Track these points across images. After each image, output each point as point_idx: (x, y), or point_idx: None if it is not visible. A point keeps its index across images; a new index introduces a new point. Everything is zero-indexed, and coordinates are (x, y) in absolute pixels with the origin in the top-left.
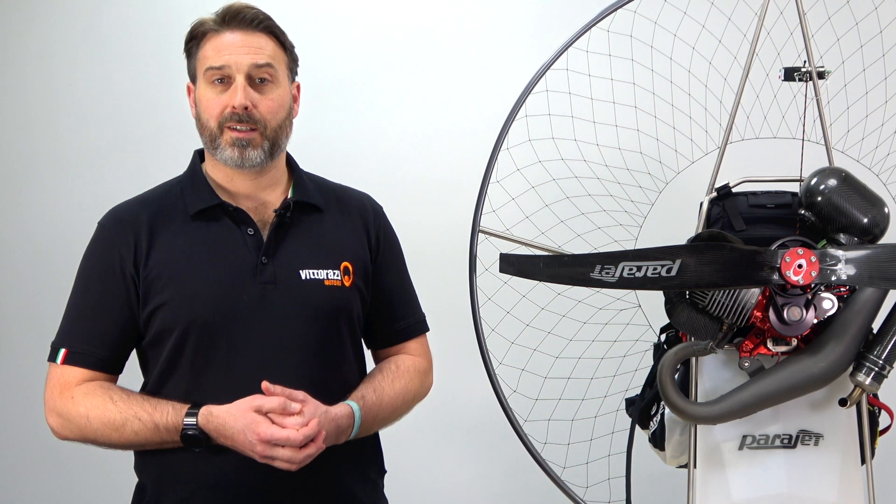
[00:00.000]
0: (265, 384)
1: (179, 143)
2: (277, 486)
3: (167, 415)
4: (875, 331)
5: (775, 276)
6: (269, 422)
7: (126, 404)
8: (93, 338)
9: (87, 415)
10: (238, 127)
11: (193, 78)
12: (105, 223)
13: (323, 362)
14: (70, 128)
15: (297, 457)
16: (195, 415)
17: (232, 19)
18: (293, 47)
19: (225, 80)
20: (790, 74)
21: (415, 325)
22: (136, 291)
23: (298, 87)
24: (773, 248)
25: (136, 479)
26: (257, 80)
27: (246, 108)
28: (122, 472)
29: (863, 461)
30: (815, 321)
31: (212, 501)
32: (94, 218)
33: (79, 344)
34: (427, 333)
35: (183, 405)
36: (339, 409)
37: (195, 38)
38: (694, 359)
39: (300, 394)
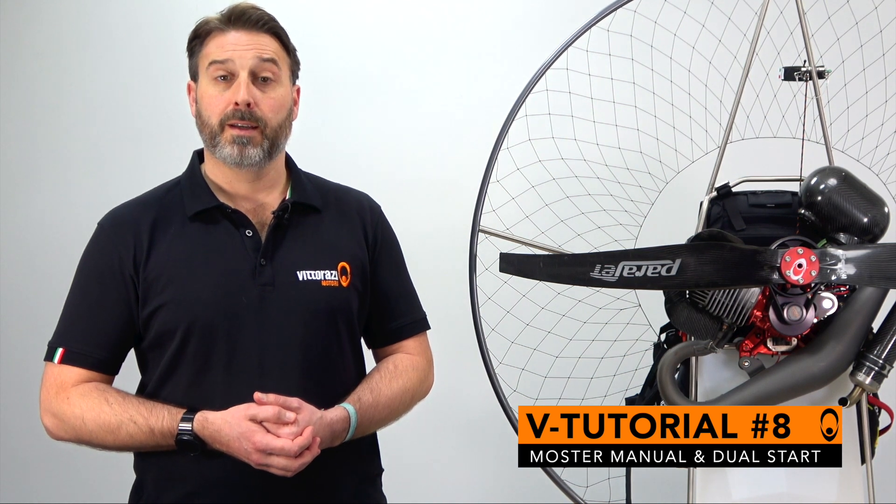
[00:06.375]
0: (257, 395)
1: (180, 144)
2: (278, 484)
3: (162, 419)
4: (875, 330)
5: (775, 276)
6: (265, 431)
7: (121, 407)
8: (91, 338)
9: (83, 416)
10: (239, 124)
11: (195, 76)
12: (104, 224)
13: (322, 363)
14: (70, 128)
15: (292, 465)
16: (190, 420)
17: (237, 19)
18: (296, 51)
19: (228, 78)
20: (790, 74)
21: (413, 324)
22: (135, 292)
23: (298, 91)
24: (773, 247)
25: (134, 477)
26: (260, 79)
27: (248, 104)
28: (122, 471)
29: (863, 461)
30: (815, 321)
31: (213, 499)
32: (94, 218)
33: (77, 344)
34: (428, 332)
35: (178, 410)
36: (335, 413)
37: (199, 37)
38: (694, 358)
39: (294, 401)
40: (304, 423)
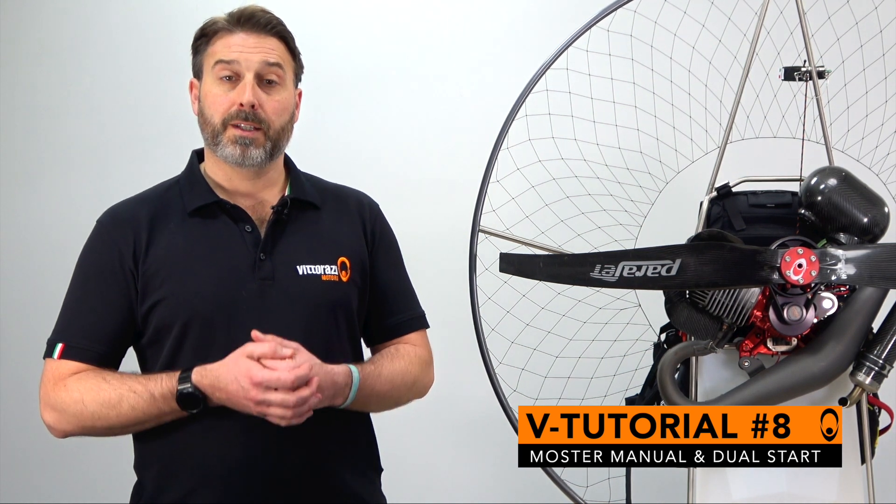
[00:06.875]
0: (255, 332)
1: (181, 144)
2: (277, 482)
3: (161, 382)
4: (875, 330)
5: (775, 276)
6: (262, 367)
7: (119, 381)
8: (91, 333)
9: (82, 399)
10: (243, 125)
11: (198, 74)
12: (104, 221)
13: (322, 357)
14: (71, 128)
15: (289, 399)
16: (188, 376)
17: (247, 21)
18: (300, 55)
19: (233, 78)
20: (790, 74)
21: (412, 321)
22: (134, 287)
23: (300, 95)
24: (773, 247)
25: (135, 479)
26: (265, 81)
27: (253, 105)
28: (122, 471)
29: (863, 461)
30: (815, 321)
31: (213, 497)
32: (94, 218)
33: (77, 339)
34: (427, 330)
35: (175, 372)
36: (337, 366)
37: (206, 35)
38: (694, 358)
39: (293, 343)
40: (303, 360)
